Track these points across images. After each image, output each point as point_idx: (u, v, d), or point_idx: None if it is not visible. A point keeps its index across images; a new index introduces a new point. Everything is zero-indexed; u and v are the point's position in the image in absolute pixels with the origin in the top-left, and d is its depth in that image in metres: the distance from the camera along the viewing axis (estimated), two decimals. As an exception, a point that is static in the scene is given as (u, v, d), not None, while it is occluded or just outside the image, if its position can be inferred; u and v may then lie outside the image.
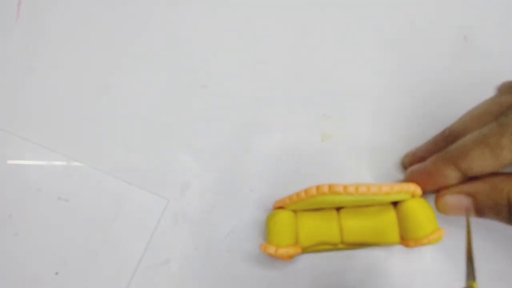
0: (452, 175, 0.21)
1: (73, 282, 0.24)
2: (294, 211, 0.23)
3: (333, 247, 0.23)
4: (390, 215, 0.23)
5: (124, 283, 0.24)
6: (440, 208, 0.22)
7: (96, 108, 0.27)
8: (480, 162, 0.20)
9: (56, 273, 0.24)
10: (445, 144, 0.22)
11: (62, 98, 0.27)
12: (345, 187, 0.20)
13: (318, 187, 0.20)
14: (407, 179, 0.23)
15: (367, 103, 0.24)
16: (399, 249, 0.24)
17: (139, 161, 0.26)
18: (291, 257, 0.22)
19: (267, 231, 0.23)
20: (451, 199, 0.21)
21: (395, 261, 0.24)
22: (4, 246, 0.24)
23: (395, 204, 0.23)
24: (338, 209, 0.24)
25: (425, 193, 0.22)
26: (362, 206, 0.23)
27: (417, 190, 0.22)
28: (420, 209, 0.22)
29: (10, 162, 0.25)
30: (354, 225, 0.23)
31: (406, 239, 0.22)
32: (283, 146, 0.26)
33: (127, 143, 0.26)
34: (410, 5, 0.30)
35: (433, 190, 0.22)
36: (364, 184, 0.20)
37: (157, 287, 0.24)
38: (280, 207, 0.23)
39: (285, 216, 0.22)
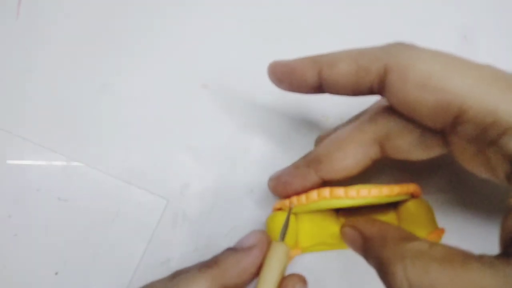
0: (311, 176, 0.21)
1: (73, 282, 0.24)
2: (294, 212, 0.23)
3: (333, 247, 0.23)
4: (390, 216, 0.23)
5: (124, 283, 0.24)
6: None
7: (95, 108, 0.27)
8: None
9: (56, 273, 0.24)
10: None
11: (62, 98, 0.27)
12: (346, 191, 0.20)
13: (319, 192, 0.20)
14: (270, 187, 0.23)
15: (366, 103, 0.24)
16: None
17: (139, 161, 0.26)
18: (291, 258, 0.22)
19: (267, 232, 0.23)
20: (349, 231, 0.20)
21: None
22: (3, 246, 0.24)
23: (395, 204, 0.23)
24: (338, 209, 0.24)
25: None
26: (361, 207, 0.23)
27: (417, 190, 0.22)
28: (420, 209, 0.22)
29: (9, 162, 0.25)
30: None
31: (406, 239, 0.22)
32: (283, 146, 0.26)
33: (127, 143, 0.26)
34: (410, 4, 0.30)
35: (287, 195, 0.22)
36: (365, 187, 0.20)
37: None
38: (280, 209, 0.23)
39: (285, 218, 0.22)
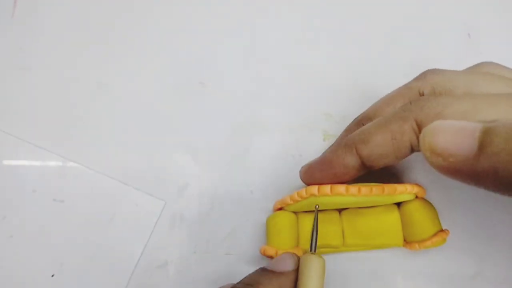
0: (351, 162, 0.20)
1: (69, 285, 0.23)
2: (295, 213, 0.22)
3: (335, 249, 0.23)
4: (393, 216, 0.22)
5: (121, 286, 0.23)
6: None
7: (91, 107, 0.26)
8: (381, 149, 0.19)
9: (52, 276, 0.23)
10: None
11: (58, 98, 0.26)
12: (347, 188, 0.19)
13: (320, 188, 0.20)
14: (305, 172, 0.22)
15: (369, 101, 0.24)
16: (402, 251, 0.23)
17: (136, 161, 0.25)
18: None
19: (267, 233, 0.22)
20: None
21: (398, 263, 0.23)
22: (-2, 249, 0.24)
23: (399, 204, 0.22)
24: (340, 210, 0.23)
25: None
26: (364, 207, 0.22)
27: (421, 191, 0.21)
28: (424, 210, 0.21)
29: (4, 162, 0.25)
30: (356, 226, 0.22)
31: (409, 241, 0.22)
32: (284, 146, 0.26)
33: (123, 143, 0.26)
34: (414, 3, 0.30)
35: (328, 183, 0.21)
36: (367, 185, 0.20)
37: (155, 291, 0.23)
38: (281, 208, 0.22)
39: (285, 218, 0.22)
